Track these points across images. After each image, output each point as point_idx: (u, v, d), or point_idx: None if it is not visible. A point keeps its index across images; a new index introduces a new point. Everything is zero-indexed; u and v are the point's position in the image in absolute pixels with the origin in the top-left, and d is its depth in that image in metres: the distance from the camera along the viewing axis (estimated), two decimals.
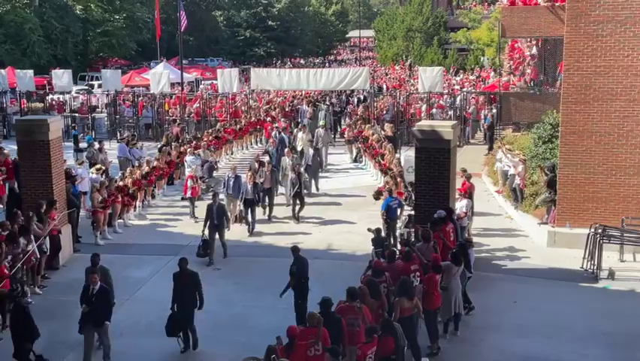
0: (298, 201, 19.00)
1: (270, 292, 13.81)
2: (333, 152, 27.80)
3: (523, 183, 18.82)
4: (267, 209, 19.13)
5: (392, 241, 15.85)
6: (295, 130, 27.24)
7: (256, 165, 19.74)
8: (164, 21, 55.77)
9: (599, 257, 14.62)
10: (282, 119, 29.63)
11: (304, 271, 12.22)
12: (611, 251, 15.18)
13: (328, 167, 25.70)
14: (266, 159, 21.40)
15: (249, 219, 17.98)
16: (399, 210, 16.46)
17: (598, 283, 14.38)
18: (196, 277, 11.62)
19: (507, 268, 15.42)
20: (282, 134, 25.75)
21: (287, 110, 33.08)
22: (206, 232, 15.79)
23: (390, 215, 16.16)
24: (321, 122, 28.36)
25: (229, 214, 16.67)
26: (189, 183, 19.40)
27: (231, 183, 18.32)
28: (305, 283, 12.18)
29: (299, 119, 31.11)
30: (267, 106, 34.95)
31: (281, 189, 20.68)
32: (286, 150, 21.75)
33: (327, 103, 34.43)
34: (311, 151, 22.48)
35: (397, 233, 16.25)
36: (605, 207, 16.12)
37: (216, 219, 15.67)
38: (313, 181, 21.97)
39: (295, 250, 12.52)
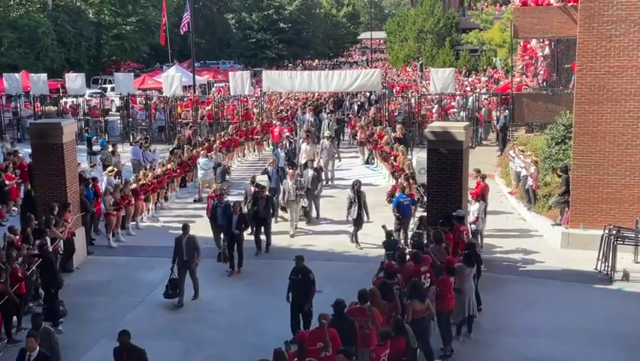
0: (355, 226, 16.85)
1: (282, 294, 13.81)
2: (344, 155, 26.80)
3: (535, 184, 18.74)
4: (262, 244, 16.68)
5: (404, 239, 15.92)
6: (300, 140, 24.77)
7: (252, 189, 17.19)
8: (176, 24, 55.96)
9: (613, 258, 14.52)
10: (276, 123, 27.32)
11: (303, 280, 11.75)
12: (626, 252, 15.06)
13: (335, 181, 23.64)
14: (264, 179, 19.20)
15: (235, 255, 15.42)
16: (412, 207, 16.51)
17: (612, 285, 14.28)
18: (142, 355, 9.63)
19: (520, 270, 15.36)
20: (277, 149, 23.31)
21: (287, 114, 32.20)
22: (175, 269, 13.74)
23: (401, 211, 16.21)
24: (326, 133, 25.63)
25: (200, 249, 14.00)
26: (211, 203, 17.04)
27: (219, 212, 15.87)
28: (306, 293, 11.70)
29: (297, 129, 28.77)
30: (281, 108, 35.00)
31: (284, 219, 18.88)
32: (289, 171, 18.94)
33: (328, 110, 32.67)
34: (310, 172, 19.13)
35: (409, 232, 16.25)
36: (619, 208, 16.01)
37: (186, 254, 13.57)
38: (314, 206, 19.33)
39: (298, 259, 11.99)
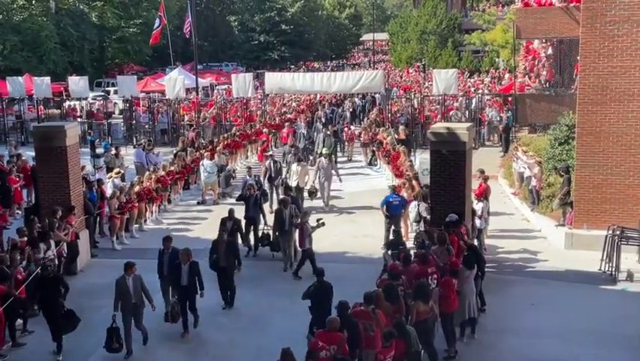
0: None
1: (287, 295, 13.85)
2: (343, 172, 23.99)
3: (539, 184, 18.72)
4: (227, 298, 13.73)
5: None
6: (289, 157, 21.88)
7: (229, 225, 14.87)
8: (179, 27, 56.03)
9: (617, 259, 14.50)
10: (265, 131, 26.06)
11: (319, 294, 11.22)
12: (630, 253, 15.04)
13: (334, 197, 21.12)
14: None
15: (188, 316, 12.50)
16: (402, 208, 16.56)
17: (616, 285, 14.26)
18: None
19: (524, 271, 15.34)
20: (247, 176, 19.57)
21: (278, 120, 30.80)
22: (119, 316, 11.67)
23: (391, 211, 16.30)
24: (324, 150, 22.36)
25: (149, 293, 12.04)
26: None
27: (166, 257, 12.79)
28: (326, 311, 10.85)
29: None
30: (284, 110, 34.96)
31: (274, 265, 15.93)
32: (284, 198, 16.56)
33: (320, 122, 29.86)
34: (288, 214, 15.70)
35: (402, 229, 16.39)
36: (622, 209, 15.98)
37: (134, 297, 11.61)
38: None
39: (319, 273, 11.71)
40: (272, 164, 20.55)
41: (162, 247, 12.98)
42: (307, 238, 15.02)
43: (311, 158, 25.10)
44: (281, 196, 17.61)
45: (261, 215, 17.15)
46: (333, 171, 21.36)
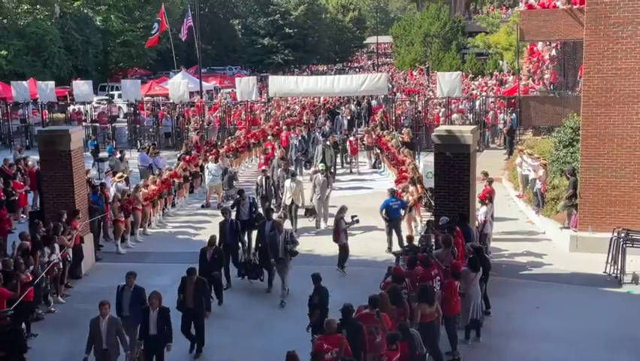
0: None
1: (290, 299, 13.84)
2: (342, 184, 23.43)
3: (544, 187, 18.68)
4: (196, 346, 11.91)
5: (399, 241, 16.04)
6: (278, 171, 20.27)
7: (210, 253, 13.54)
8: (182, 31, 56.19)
9: (622, 261, 14.46)
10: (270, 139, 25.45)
11: (325, 303, 11.21)
12: (635, 255, 14.94)
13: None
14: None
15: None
16: (402, 211, 16.54)
17: (621, 288, 14.21)
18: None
19: (529, 273, 15.30)
20: (241, 197, 16.64)
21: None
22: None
23: (391, 215, 16.30)
24: (320, 166, 20.10)
25: (125, 336, 10.64)
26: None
27: (127, 296, 11.23)
28: (324, 315, 10.86)
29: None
30: (288, 113, 34.93)
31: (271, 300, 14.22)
32: (278, 221, 14.53)
33: (319, 132, 27.87)
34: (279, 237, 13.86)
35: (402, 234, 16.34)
36: (627, 211, 15.95)
37: (106, 342, 10.25)
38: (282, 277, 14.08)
39: (317, 278, 11.48)
40: (264, 180, 19.12)
41: (123, 284, 11.33)
42: (342, 234, 15.27)
43: (303, 170, 23.54)
44: (274, 218, 15.28)
45: (239, 242, 15.20)
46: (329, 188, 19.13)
